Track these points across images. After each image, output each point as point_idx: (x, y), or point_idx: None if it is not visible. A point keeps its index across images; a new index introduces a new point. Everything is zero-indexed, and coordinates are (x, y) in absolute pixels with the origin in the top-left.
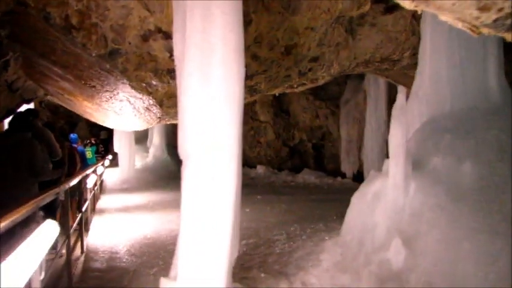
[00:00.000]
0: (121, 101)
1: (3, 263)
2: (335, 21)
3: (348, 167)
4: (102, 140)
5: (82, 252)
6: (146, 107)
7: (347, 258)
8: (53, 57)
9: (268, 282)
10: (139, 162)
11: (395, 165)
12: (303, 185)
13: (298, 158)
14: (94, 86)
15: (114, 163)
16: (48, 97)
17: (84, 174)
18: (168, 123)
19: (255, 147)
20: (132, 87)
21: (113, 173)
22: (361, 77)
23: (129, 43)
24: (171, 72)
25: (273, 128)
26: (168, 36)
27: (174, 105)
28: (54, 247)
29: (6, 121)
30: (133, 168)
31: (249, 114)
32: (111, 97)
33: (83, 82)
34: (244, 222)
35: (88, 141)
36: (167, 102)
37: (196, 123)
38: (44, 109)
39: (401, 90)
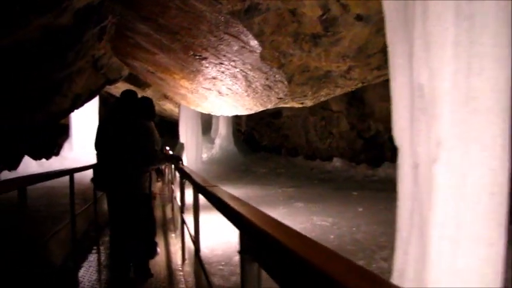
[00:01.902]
0: (235, 77)
1: None
2: None
3: None
4: None
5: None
6: (267, 85)
7: None
8: (161, 20)
9: None
10: (204, 154)
11: None
12: (388, 180)
13: (373, 151)
14: (205, 58)
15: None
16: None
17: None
18: (285, 105)
19: (325, 138)
20: (262, 57)
21: None
22: None
23: None
24: (315, 38)
25: (347, 118)
26: None
27: (306, 81)
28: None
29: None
30: (200, 160)
31: (319, 103)
32: (223, 72)
33: (192, 53)
34: (374, 225)
35: None
36: (298, 77)
37: (457, 97)
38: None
39: None
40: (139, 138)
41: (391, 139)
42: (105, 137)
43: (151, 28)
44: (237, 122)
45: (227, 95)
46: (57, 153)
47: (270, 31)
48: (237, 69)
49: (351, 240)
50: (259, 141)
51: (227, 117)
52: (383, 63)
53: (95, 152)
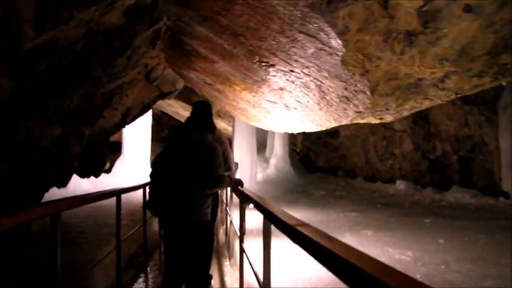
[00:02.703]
0: (306, 87)
1: None
2: None
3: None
4: None
5: None
6: (345, 96)
7: None
8: (223, 20)
9: None
10: (259, 173)
11: None
12: (459, 206)
13: (439, 173)
14: (273, 65)
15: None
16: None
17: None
18: (361, 121)
19: (387, 159)
20: (344, 61)
21: None
22: None
23: None
24: (410, 36)
25: (411, 138)
26: None
27: (391, 92)
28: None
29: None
30: (255, 180)
31: (380, 122)
32: (293, 81)
33: (257, 59)
34: (466, 263)
35: None
36: (383, 87)
37: None
38: None
39: None
40: (201, 155)
41: (459, 160)
42: (166, 156)
43: (212, 30)
44: (292, 142)
45: (295, 108)
46: (109, 171)
47: (356, 28)
48: (310, 78)
49: (443, 283)
50: (314, 162)
51: (283, 136)
52: (487, 69)
53: (150, 172)
